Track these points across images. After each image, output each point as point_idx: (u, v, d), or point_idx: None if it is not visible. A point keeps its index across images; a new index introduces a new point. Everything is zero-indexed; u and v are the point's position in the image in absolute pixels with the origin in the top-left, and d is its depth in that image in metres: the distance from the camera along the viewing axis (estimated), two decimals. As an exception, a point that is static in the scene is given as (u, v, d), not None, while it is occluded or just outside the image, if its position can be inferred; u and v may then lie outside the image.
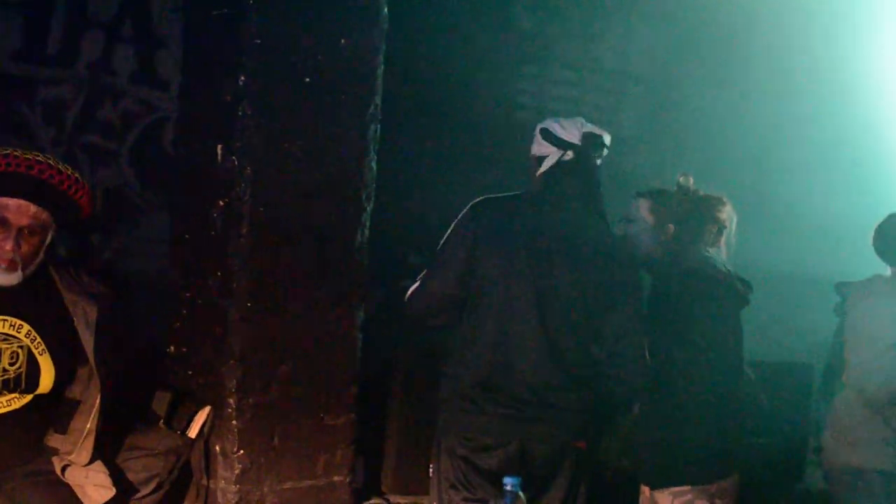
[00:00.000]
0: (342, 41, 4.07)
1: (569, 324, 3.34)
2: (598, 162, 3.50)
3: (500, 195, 3.48)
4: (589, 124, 3.50)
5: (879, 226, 4.21)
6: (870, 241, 4.21)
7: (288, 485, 4.00)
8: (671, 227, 3.80)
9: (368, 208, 4.16)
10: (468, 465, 3.32)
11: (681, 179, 3.87)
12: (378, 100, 4.17)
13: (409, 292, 3.45)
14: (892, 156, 6.18)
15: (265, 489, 3.96)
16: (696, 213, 3.81)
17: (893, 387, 3.80)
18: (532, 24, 5.71)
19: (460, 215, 3.43)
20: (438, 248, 3.43)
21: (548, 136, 3.49)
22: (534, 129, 3.54)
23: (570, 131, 3.46)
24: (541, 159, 3.50)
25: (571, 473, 3.38)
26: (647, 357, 3.38)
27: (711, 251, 3.82)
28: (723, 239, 3.85)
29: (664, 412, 3.67)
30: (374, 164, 4.18)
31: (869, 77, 6.33)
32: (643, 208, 3.87)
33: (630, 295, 3.42)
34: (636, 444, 3.78)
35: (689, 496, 3.61)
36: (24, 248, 3.16)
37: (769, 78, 6.11)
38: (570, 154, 3.45)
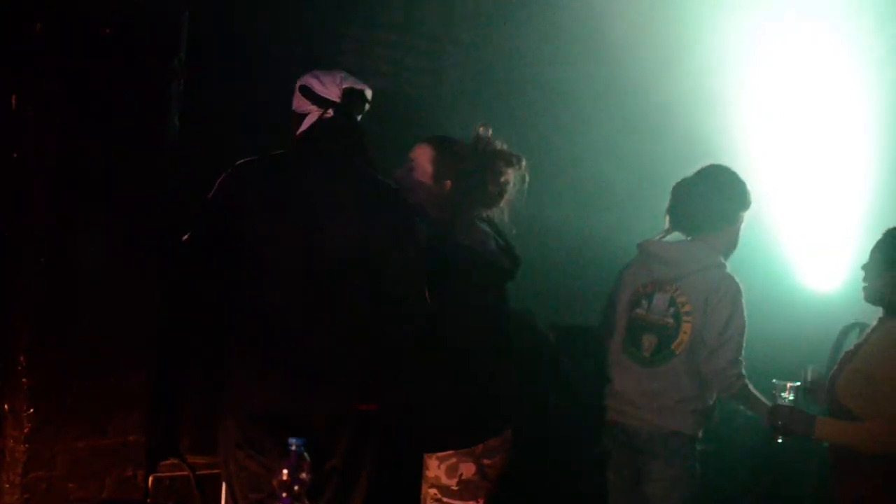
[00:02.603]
0: (146, -9, 3.97)
1: (343, 282, 3.33)
2: (359, 118, 3.48)
3: (263, 156, 3.42)
4: (350, 78, 3.47)
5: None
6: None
7: (81, 444, 3.91)
8: (448, 182, 3.70)
9: (170, 165, 4.07)
10: (250, 426, 3.34)
11: (480, 130, 3.74)
12: (183, 55, 4.08)
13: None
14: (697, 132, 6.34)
15: (57, 448, 3.86)
16: (479, 171, 3.69)
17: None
18: (354, -15, 5.66)
19: (223, 176, 3.38)
20: (201, 206, 3.39)
21: (307, 93, 3.44)
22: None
23: (330, 88, 3.43)
24: (301, 116, 3.46)
25: (352, 440, 3.38)
26: (427, 296, 3.38)
27: (488, 213, 3.75)
28: (503, 201, 3.75)
29: (427, 374, 3.66)
30: (176, 121, 4.09)
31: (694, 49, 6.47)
32: (425, 156, 3.74)
33: (404, 239, 3.39)
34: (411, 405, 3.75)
35: (454, 460, 3.62)
36: None
37: (587, 46, 6.21)
38: (330, 112, 3.42)
